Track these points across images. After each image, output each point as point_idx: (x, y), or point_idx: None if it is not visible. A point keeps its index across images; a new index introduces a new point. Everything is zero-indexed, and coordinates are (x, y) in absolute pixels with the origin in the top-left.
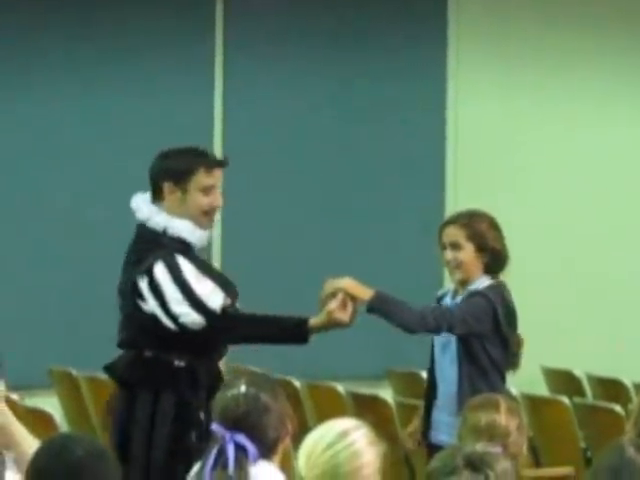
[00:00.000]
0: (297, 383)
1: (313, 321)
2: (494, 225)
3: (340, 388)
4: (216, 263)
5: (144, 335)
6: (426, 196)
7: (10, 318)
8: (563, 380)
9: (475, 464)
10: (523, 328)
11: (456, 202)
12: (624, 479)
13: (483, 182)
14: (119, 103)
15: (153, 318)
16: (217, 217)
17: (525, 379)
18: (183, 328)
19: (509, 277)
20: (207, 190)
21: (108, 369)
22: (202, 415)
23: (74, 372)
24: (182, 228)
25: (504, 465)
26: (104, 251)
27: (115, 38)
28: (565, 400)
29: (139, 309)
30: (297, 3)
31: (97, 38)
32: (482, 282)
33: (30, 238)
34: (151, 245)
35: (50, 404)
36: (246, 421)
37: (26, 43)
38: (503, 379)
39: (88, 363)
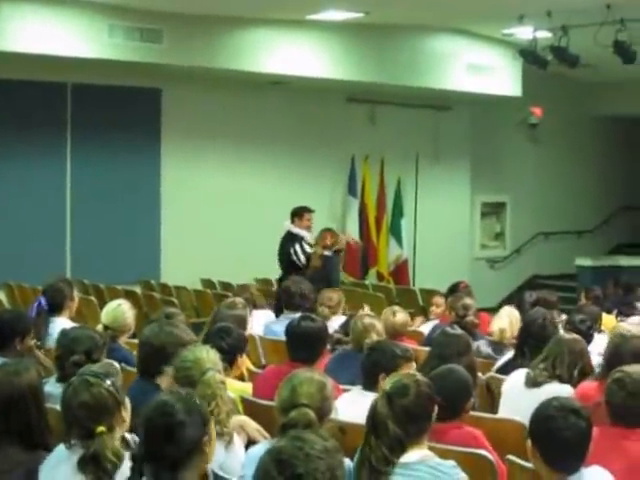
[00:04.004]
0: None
1: None
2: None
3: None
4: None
5: (288, 263)
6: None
7: None
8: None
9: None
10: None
11: (166, 221)
12: None
13: (184, 210)
14: None
15: (292, 259)
16: None
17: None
18: (302, 263)
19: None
20: (311, 220)
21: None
22: None
23: None
24: (305, 234)
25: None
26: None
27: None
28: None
29: (290, 255)
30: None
31: None
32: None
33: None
34: (293, 239)
35: None
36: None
37: None
38: None
39: None
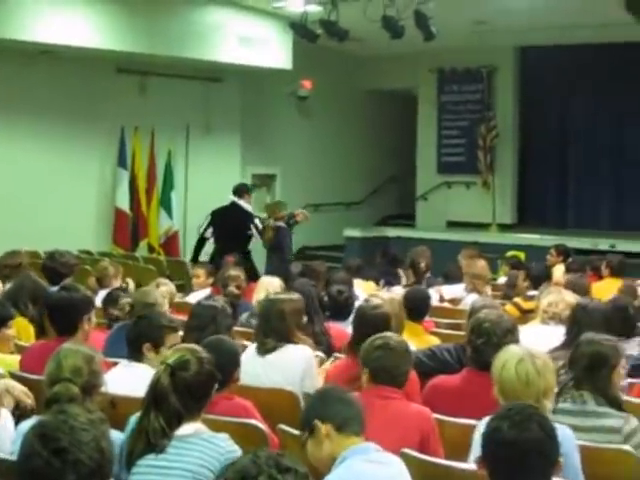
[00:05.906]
0: None
1: None
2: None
3: None
4: None
5: (246, 238)
6: None
7: None
8: None
9: None
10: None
11: None
12: None
13: None
14: None
15: (250, 234)
16: None
17: None
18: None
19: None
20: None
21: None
22: None
23: None
24: (250, 207)
25: None
26: None
27: None
28: None
29: (249, 230)
30: None
31: None
32: None
33: None
34: (245, 213)
35: None
36: None
37: None
38: None
39: None
